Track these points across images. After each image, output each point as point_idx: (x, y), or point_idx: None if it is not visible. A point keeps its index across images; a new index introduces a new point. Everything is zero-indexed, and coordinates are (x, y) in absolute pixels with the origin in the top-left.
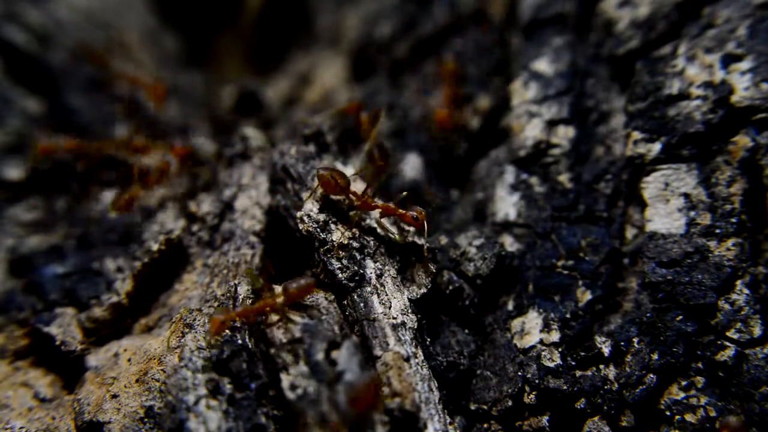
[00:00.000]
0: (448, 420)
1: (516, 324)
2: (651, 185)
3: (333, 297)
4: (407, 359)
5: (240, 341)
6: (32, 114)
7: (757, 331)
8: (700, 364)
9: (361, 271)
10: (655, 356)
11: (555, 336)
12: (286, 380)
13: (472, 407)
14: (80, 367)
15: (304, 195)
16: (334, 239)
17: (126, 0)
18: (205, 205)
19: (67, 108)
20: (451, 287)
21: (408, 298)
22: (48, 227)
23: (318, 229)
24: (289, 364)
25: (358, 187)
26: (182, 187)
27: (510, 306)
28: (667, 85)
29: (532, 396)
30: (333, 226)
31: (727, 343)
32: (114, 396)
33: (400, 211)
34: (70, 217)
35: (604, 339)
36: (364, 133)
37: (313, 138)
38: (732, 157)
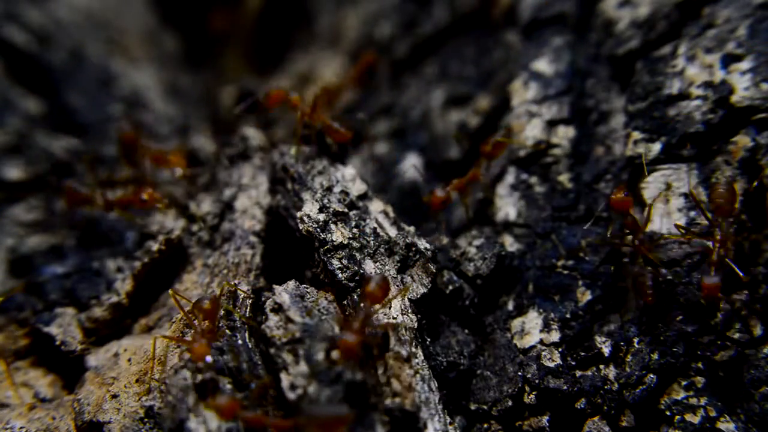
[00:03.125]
0: (448, 420)
1: (516, 324)
2: (651, 185)
3: (333, 297)
4: (407, 359)
5: (240, 341)
6: (32, 114)
7: (757, 331)
8: (700, 364)
9: (361, 271)
10: (655, 356)
11: (555, 336)
12: (286, 380)
13: (472, 407)
14: (80, 367)
15: (304, 195)
16: (334, 239)
17: (126, 0)
18: (205, 205)
19: (67, 108)
20: (451, 287)
21: (408, 298)
22: (48, 227)
23: (318, 229)
24: (289, 364)
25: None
26: (182, 187)
27: (510, 306)
28: (667, 85)
29: (532, 396)
30: (333, 227)
31: (727, 343)
32: (114, 396)
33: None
34: (70, 217)
35: (604, 339)
36: None
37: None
38: (732, 157)
